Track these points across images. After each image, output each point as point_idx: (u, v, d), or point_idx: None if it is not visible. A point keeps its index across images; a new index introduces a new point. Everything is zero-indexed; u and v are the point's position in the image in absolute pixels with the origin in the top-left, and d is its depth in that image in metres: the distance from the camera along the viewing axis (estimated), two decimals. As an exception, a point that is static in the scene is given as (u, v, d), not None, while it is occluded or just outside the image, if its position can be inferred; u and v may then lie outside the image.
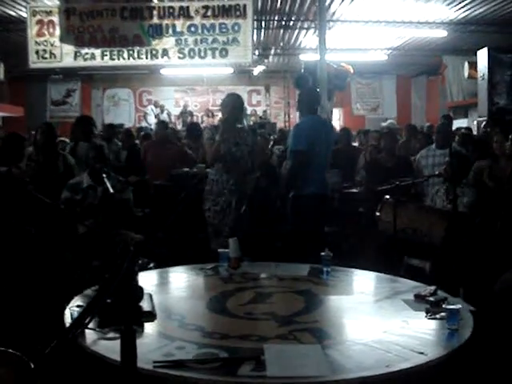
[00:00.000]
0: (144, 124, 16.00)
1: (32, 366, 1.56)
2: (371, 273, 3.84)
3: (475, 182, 4.99)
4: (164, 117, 16.53)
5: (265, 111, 18.17)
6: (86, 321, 1.49)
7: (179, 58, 8.57)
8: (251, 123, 14.69)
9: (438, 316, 2.80)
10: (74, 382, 2.57)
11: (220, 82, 17.19)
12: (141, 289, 2.84)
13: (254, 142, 5.42)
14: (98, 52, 8.53)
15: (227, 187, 5.14)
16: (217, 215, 5.17)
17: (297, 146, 5.10)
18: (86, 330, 2.40)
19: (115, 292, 1.53)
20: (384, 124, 11.79)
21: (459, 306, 2.74)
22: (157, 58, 8.57)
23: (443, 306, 2.83)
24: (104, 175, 4.62)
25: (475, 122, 11.46)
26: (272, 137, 10.58)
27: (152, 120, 16.14)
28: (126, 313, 1.61)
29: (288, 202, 5.28)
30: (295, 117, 16.71)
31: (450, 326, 2.64)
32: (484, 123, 6.67)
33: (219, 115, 6.81)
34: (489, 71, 9.98)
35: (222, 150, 5.14)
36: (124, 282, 1.49)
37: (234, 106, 5.27)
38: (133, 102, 18.40)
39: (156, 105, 17.38)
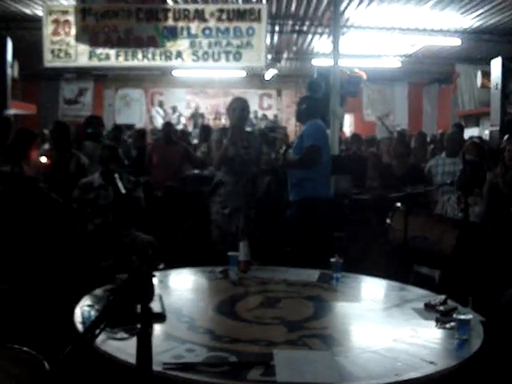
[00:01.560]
0: (154, 125, 16.04)
1: (47, 366, 1.57)
2: (381, 280, 3.84)
3: (488, 192, 4.97)
4: (174, 118, 16.58)
5: (276, 115, 18.17)
6: (103, 324, 1.49)
7: (193, 60, 8.58)
8: (262, 126, 14.70)
9: (447, 326, 2.80)
10: (84, 382, 2.58)
11: (232, 84, 17.21)
12: (152, 289, 2.85)
13: (260, 144, 5.44)
14: (112, 52, 8.55)
15: (235, 190, 5.14)
16: (225, 218, 5.18)
17: (315, 141, 5.19)
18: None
19: (131, 293, 1.54)
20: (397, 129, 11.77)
21: (470, 316, 2.73)
22: (171, 59, 8.58)
23: (453, 315, 2.83)
24: (116, 175, 4.64)
25: (487, 131, 11.40)
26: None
27: (159, 122, 16.15)
28: (141, 315, 1.61)
29: (294, 205, 5.27)
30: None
31: (460, 336, 2.64)
32: (506, 137, 6.63)
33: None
34: (502, 81, 9.91)
35: (231, 153, 5.16)
36: (141, 283, 1.50)
37: (242, 109, 5.28)
38: (144, 103, 18.44)
39: (161, 105, 17.42)
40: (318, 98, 7.16)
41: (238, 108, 5.29)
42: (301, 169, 5.20)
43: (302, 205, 5.18)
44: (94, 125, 6.67)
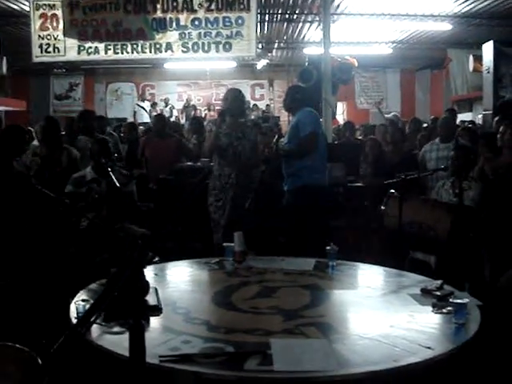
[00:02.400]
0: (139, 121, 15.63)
1: (40, 361, 1.55)
2: (377, 267, 3.84)
3: (480, 176, 4.97)
4: (166, 111, 16.49)
5: (268, 105, 18.13)
6: (95, 316, 1.47)
7: (183, 51, 8.53)
8: (252, 117, 14.64)
9: (444, 310, 2.79)
10: (79, 376, 2.57)
11: (223, 75, 17.15)
12: (147, 283, 2.83)
13: (255, 135, 5.40)
14: (101, 46, 8.50)
15: (229, 182, 5.13)
16: (218, 210, 5.18)
17: (312, 129, 5.20)
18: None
19: (123, 286, 1.52)
20: (388, 116, 11.75)
21: (466, 300, 2.72)
22: (160, 51, 8.53)
23: (450, 300, 2.82)
24: (109, 169, 4.62)
25: (480, 116, 11.41)
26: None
27: (145, 116, 15.88)
28: (133, 307, 1.60)
29: (291, 193, 5.26)
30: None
31: (457, 321, 2.63)
32: (496, 118, 6.62)
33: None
34: (494, 64, 9.93)
35: (224, 144, 5.15)
36: (132, 276, 1.48)
37: (235, 99, 5.26)
38: (136, 96, 18.35)
39: (143, 100, 17.30)
40: (307, 88, 7.14)
41: (230, 97, 5.29)
42: (299, 157, 5.19)
43: (300, 193, 5.17)
44: (88, 119, 6.61)
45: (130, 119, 15.20)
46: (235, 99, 5.28)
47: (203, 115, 16.47)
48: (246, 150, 5.19)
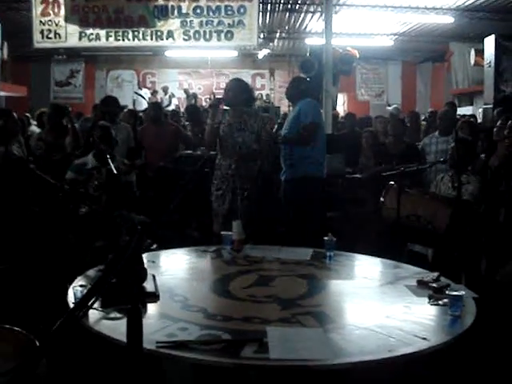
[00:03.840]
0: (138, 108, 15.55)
1: (37, 343, 1.57)
2: (374, 258, 3.84)
3: (482, 169, 4.98)
4: (166, 99, 16.43)
5: (268, 95, 18.08)
6: (92, 300, 1.48)
7: (184, 39, 8.52)
8: (255, 106, 14.59)
9: (440, 302, 2.81)
10: (77, 361, 2.59)
11: (224, 65, 17.10)
12: (144, 270, 2.84)
13: (260, 127, 5.27)
14: (102, 33, 8.48)
15: (229, 172, 5.13)
16: (217, 199, 5.19)
17: (313, 119, 5.26)
18: (90, 310, 2.41)
19: (120, 272, 1.53)
20: (388, 108, 11.74)
21: (462, 292, 2.74)
22: (162, 39, 8.52)
23: (446, 292, 2.83)
24: (108, 156, 4.62)
25: (480, 110, 11.40)
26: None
27: (144, 104, 15.84)
28: (130, 293, 1.61)
29: (290, 183, 5.26)
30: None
31: (453, 313, 2.64)
32: (497, 111, 6.62)
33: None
34: (495, 58, 9.90)
35: (225, 135, 5.15)
36: (130, 262, 1.49)
37: (234, 90, 5.24)
38: (136, 84, 18.29)
39: (140, 86, 17.23)
40: (310, 79, 7.14)
41: (230, 88, 5.27)
42: (299, 145, 5.22)
43: (300, 183, 5.19)
44: (110, 105, 6.59)
45: (131, 107, 15.16)
46: (234, 90, 5.25)
47: (203, 104, 16.42)
48: (246, 141, 5.16)
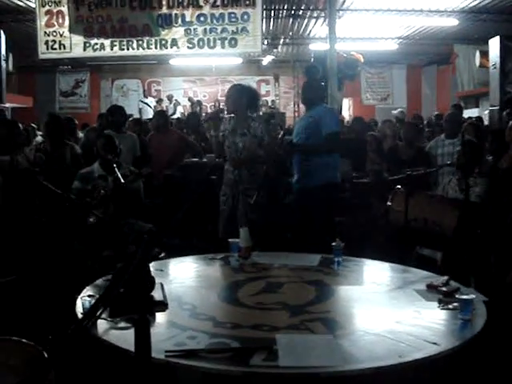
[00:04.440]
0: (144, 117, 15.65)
1: (46, 355, 1.56)
2: (382, 263, 3.82)
3: (492, 171, 4.95)
4: (171, 107, 16.48)
5: (273, 101, 18.10)
6: (100, 310, 1.48)
7: (188, 47, 8.54)
8: (261, 113, 14.61)
9: (450, 306, 2.78)
10: (86, 372, 2.58)
11: (229, 72, 17.14)
12: (152, 278, 2.84)
13: (265, 132, 5.24)
14: (107, 42, 8.51)
15: (232, 178, 5.14)
16: (222, 204, 5.19)
17: (338, 128, 5.31)
18: (98, 320, 2.40)
19: (128, 281, 1.52)
20: (394, 112, 11.71)
21: (472, 296, 2.71)
22: (166, 48, 8.54)
23: (456, 296, 2.81)
24: (115, 165, 4.62)
25: (486, 112, 11.36)
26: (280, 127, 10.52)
27: (150, 112, 15.92)
28: (138, 302, 1.60)
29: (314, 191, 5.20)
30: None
31: (463, 317, 2.62)
32: (506, 112, 6.60)
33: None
34: (501, 60, 9.86)
35: (228, 142, 5.16)
36: (137, 271, 1.48)
37: (233, 97, 5.23)
38: (142, 93, 18.36)
39: (146, 95, 17.32)
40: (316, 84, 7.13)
41: (230, 96, 5.27)
42: (323, 153, 5.16)
43: (319, 190, 5.10)
44: (117, 114, 6.62)
45: (136, 116, 15.21)
46: (233, 96, 5.24)
47: (209, 111, 16.46)
48: (248, 146, 5.13)
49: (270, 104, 17.65)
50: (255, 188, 5.07)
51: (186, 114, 16.38)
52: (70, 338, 1.38)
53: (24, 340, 1.72)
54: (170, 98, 17.30)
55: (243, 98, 5.18)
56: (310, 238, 5.03)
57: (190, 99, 17.50)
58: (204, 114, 13.84)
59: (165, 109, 15.02)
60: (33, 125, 9.47)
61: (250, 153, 5.13)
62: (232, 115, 5.33)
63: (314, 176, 5.15)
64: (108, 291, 1.55)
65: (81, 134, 8.28)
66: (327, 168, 5.18)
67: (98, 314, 1.48)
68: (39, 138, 6.21)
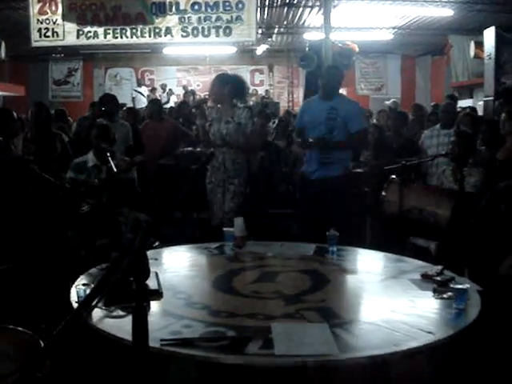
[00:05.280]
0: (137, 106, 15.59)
1: (41, 343, 1.55)
2: (377, 252, 3.84)
3: (488, 162, 4.96)
4: (164, 96, 16.43)
5: (267, 91, 18.05)
6: (97, 300, 1.47)
7: (182, 36, 8.49)
8: (251, 102, 14.57)
9: (445, 296, 2.80)
10: (80, 360, 2.57)
11: (223, 61, 17.05)
12: (148, 267, 2.83)
13: (247, 120, 5.15)
14: (100, 30, 8.45)
15: (216, 165, 5.13)
16: (209, 193, 5.19)
17: (366, 124, 5.33)
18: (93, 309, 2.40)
19: (125, 270, 1.51)
20: (387, 103, 11.71)
21: (467, 285, 2.73)
22: (160, 36, 8.49)
23: (450, 285, 2.82)
24: (108, 154, 4.60)
25: (481, 103, 11.37)
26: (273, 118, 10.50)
27: (143, 101, 15.87)
28: (135, 291, 1.59)
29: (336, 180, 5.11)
30: (298, 96, 16.61)
31: (458, 306, 2.63)
32: (499, 102, 6.61)
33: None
34: (496, 51, 9.86)
35: (213, 129, 5.14)
36: (134, 260, 1.48)
37: (219, 85, 5.22)
38: (135, 82, 18.26)
39: (140, 84, 17.27)
40: (310, 73, 7.10)
41: (213, 86, 5.28)
42: (352, 149, 5.18)
43: (343, 180, 5.10)
44: (109, 103, 6.58)
45: (129, 105, 15.14)
46: (216, 86, 5.24)
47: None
48: (230, 133, 5.10)
49: (263, 94, 17.61)
50: (237, 176, 5.06)
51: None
52: (66, 328, 1.37)
53: (20, 328, 1.71)
54: (163, 87, 17.25)
55: (226, 88, 5.16)
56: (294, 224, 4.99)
57: (184, 87, 17.44)
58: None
59: (158, 98, 14.96)
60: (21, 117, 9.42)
61: (232, 140, 5.10)
62: (201, 110, 5.34)
63: (333, 167, 5.05)
64: (104, 280, 1.54)
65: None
66: (346, 158, 5.18)
67: (95, 303, 1.47)
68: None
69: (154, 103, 7.84)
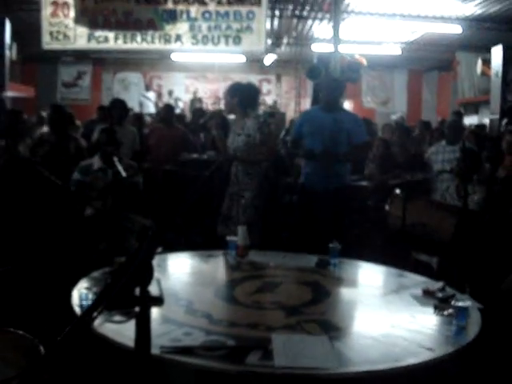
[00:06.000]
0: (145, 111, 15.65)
1: (42, 349, 1.56)
2: (379, 266, 3.83)
3: (490, 178, 4.97)
4: (171, 102, 16.49)
5: (275, 101, 18.09)
6: (101, 308, 1.48)
7: (192, 43, 8.54)
8: (261, 112, 14.61)
9: (445, 312, 2.79)
10: (80, 364, 2.58)
11: (231, 69, 17.12)
12: (153, 275, 2.83)
13: (258, 130, 5.09)
14: (111, 35, 8.50)
15: (232, 178, 5.15)
16: (224, 204, 5.19)
17: (368, 136, 5.28)
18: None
19: (130, 276, 1.52)
20: (393, 118, 11.73)
21: (468, 303, 2.72)
22: (170, 43, 8.54)
23: (451, 302, 2.82)
24: (115, 158, 4.62)
25: (486, 120, 11.39)
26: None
27: (151, 107, 15.94)
28: (139, 298, 1.60)
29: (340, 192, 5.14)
30: (305, 107, 16.65)
31: (458, 323, 2.63)
32: (505, 122, 6.65)
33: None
34: (503, 68, 9.91)
35: (228, 142, 5.17)
36: (140, 267, 1.48)
37: (228, 96, 5.23)
38: (143, 87, 18.34)
39: (148, 89, 17.36)
40: (318, 85, 7.11)
41: (224, 98, 5.32)
42: (356, 161, 5.24)
43: (348, 191, 5.19)
44: (118, 108, 6.62)
45: (137, 109, 15.20)
46: (226, 97, 5.26)
47: (209, 108, 16.47)
48: (240, 146, 5.09)
49: (270, 104, 17.65)
50: (249, 189, 5.06)
51: (186, 109, 16.43)
52: (70, 335, 1.37)
53: (20, 332, 1.71)
54: (170, 93, 17.33)
55: (234, 99, 5.15)
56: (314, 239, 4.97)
57: (194, 93, 17.51)
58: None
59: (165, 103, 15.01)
60: (43, 115, 9.46)
61: (243, 152, 5.11)
62: (216, 121, 5.37)
63: (340, 178, 5.10)
64: (110, 287, 1.54)
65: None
66: (347, 171, 5.20)
67: (99, 310, 1.47)
68: (46, 129, 6.20)
69: (168, 109, 7.87)
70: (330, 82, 5.66)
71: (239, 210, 5.06)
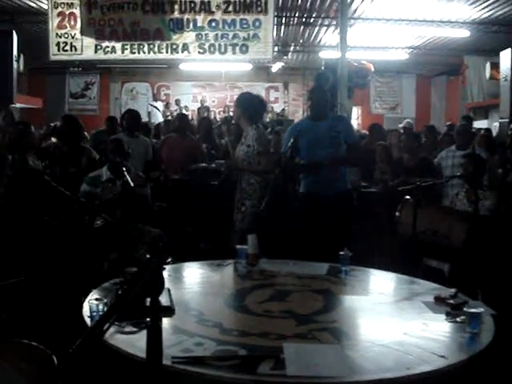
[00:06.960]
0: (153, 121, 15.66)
1: (55, 361, 1.55)
2: (390, 273, 3.81)
3: (501, 184, 4.94)
4: (180, 111, 16.53)
5: (283, 109, 18.09)
6: (112, 319, 1.47)
7: (199, 53, 8.55)
8: (267, 119, 14.61)
9: (458, 319, 2.77)
10: (93, 376, 2.58)
11: (238, 78, 17.16)
12: (162, 283, 2.83)
13: (256, 141, 5.06)
14: (118, 45, 8.52)
15: (238, 186, 5.15)
16: (233, 213, 5.20)
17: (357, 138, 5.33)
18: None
19: (142, 288, 1.52)
20: (400, 125, 11.69)
21: (481, 309, 2.70)
22: (177, 52, 8.55)
23: (464, 309, 2.80)
24: (124, 169, 4.63)
25: (496, 124, 11.33)
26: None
27: (159, 116, 15.97)
28: (150, 309, 1.59)
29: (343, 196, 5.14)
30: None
31: (471, 330, 2.61)
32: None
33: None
34: (511, 72, 9.86)
35: (237, 152, 5.19)
36: (152, 278, 1.48)
37: (235, 106, 5.29)
38: (151, 97, 18.42)
39: (156, 99, 17.42)
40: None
41: (234, 106, 5.33)
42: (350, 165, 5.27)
43: (349, 195, 5.19)
44: (130, 118, 6.64)
45: (145, 119, 15.23)
46: (234, 107, 5.32)
47: (217, 116, 16.51)
48: (240, 155, 5.12)
49: (278, 111, 17.66)
50: (250, 198, 5.06)
51: (194, 118, 16.45)
52: (82, 346, 1.37)
53: (33, 343, 1.71)
54: (177, 102, 17.36)
55: (238, 108, 5.21)
56: (324, 245, 4.94)
57: (201, 101, 17.55)
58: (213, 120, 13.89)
59: (173, 113, 15.09)
60: (52, 124, 9.51)
61: (243, 162, 5.10)
62: (227, 127, 5.41)
63: (341, 183, 5.10)
64: (121, 298, 1.54)
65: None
66: (347, 173, 5.21)
67: (111, 321, 1.47)
68: (53, 139, 6.24)
69: (183, 118, 7.88)
70: (313, 91, 5.64)
71: (238, 218, 5.09)
